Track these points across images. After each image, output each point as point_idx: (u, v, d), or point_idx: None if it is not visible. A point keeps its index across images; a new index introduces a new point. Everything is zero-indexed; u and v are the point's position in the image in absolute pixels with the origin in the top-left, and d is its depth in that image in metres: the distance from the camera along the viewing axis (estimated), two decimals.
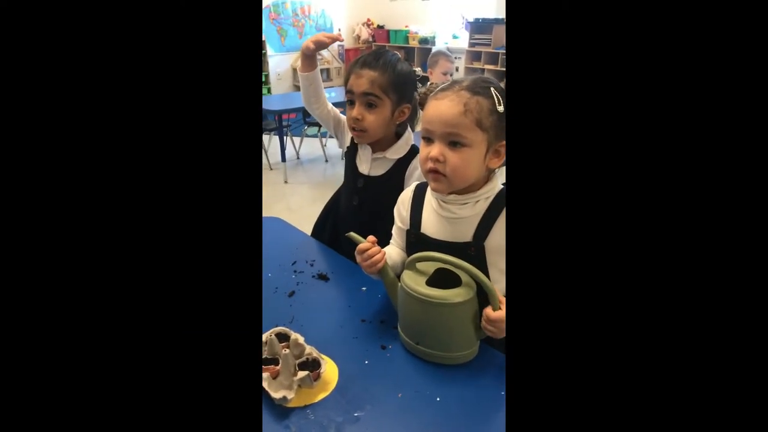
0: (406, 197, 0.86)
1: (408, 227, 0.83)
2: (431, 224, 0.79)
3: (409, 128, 1.07)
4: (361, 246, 0.75)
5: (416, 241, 0.81)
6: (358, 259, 0.76)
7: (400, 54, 1.04)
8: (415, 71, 1.06)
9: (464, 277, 0.70)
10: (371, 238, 0.76)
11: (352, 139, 1.13)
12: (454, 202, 0.76)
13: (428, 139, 0.73)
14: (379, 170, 1.05)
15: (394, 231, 0.90)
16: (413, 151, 1.04)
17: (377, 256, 0.75)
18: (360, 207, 1.08)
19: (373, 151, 1.05)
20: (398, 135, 1.05)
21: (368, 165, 1.06)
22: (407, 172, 1.03)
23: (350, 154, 1.13)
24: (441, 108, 0.71)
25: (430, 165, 0.72)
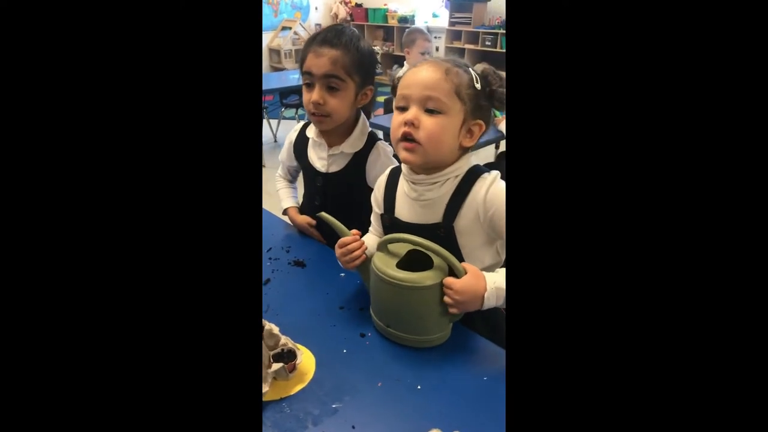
0: (381, 182, 0.84)
1: (382, 211, 0.82)
2: (403, 208, 0.79)
3: (363, 116, 0.98)
4: (343, 239, 0.73)
5: (390, 225, 0.80)
6: (338, 252, 0.74)
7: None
8: (375, 50, 0.99)
9: (436, 259, 0.68)
10: (354, 231, 0.74)
11: (301, 130, 1.05)
12: (423, 182, 0.74)
13: (402, 108, 0.71)
14: (336, 166, 0.97)
15: (372, 218, 0.88)
16: (371, 141, 0.97)
17: (356, 252, 0.73)
18: (323, 207, 1.01)
19: (329, 146, 0.97)
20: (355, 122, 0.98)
21: (324, 162, 0.98)
22: (368, 164, 0.96)
23: (299, 148, 1.04)
24: (421, 73, 0.70)
25: (404, 129, 0.69)
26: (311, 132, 1.01)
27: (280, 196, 1.13)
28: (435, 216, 0.74)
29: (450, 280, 0.65)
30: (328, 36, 0.87)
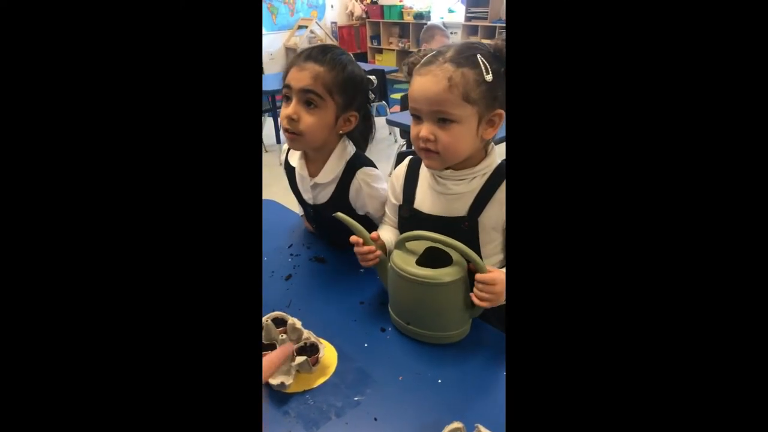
0: (400, 172, 0.84)
1: (401, 203, 0.82)
2: (425, 200, 0.78)
3: (346, 143, 0.90)
4: (353, 238, 0.74)
5: (409, 216, 0.80)
6: (356, 249, 0.75)
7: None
8: (369, 78, 0.91)
9: (455, 255, 0.69)
10: (374, 234, 0.75)
11: (287, 156, 0.99)
12: (451, 177, 0.74)
13: (417, 117, 0.70)
14: (322, 198, 0.92)
15: (387, 208, 0.88)
16: (352, 167, 0.88)
17: (369, 256, 0.74)
18: (320, 232, 1.02)
19: (311, 176, 0.91)
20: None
21: (310, 194, 0.93)
22: (351, 196, 0.89)
23: (289, 176, 0.98)
24: (425, 85, 0.67)
25: (421, 144, 0.70)
26: (294, 161, 0.96)
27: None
28: (460, 209, 0.74)
29: (483, 276, 0.65)
30: (314, 53, 0.82)
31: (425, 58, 0.70)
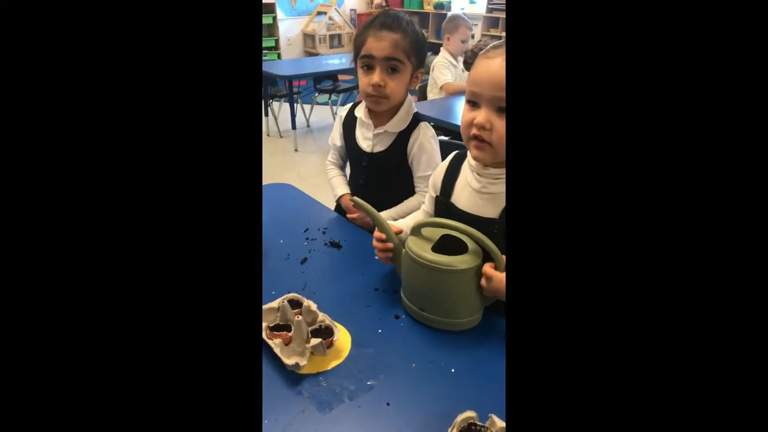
0: (443, 165, 0.84)
1: (438, 194, 0.81)
2: (462, 195, 0.78)
3: (409, 97, 1.02)
4: (376, 234, 0.75)
5: (444, 209, 0.80)
6: (374, 243, 0.76)
7: (414, 20, 1.00)
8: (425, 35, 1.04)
9: (471, 244, 0.69)
10: (397, 229, 0.75)
11: (350, 110, 1.08)
12: (490, 175, 0.73)
13: (473, 103, 0.68)
14: (381, 146, 1.02)
15: (426, 199, 0.89)
16: (414, 121, 1.01)
17: (385, 254, 0.75)
18: (366, 185, 1.06)
19: (375, 126, 1.01)
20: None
21: (370, 142, 1.03)
22: (409, 146, 1.00)
23: (347, 128, 1.08)
24: (492, 68, 0.64)
25: (474, 132, 0.67)
26: (360, 112, 1.04)
27: (332, 184, 1.14)
28: (494, 211, 0.72)
29: (491, 271, 0.65)
30: (387, 21, 0.91)
31: (493, 43, 0.67)
